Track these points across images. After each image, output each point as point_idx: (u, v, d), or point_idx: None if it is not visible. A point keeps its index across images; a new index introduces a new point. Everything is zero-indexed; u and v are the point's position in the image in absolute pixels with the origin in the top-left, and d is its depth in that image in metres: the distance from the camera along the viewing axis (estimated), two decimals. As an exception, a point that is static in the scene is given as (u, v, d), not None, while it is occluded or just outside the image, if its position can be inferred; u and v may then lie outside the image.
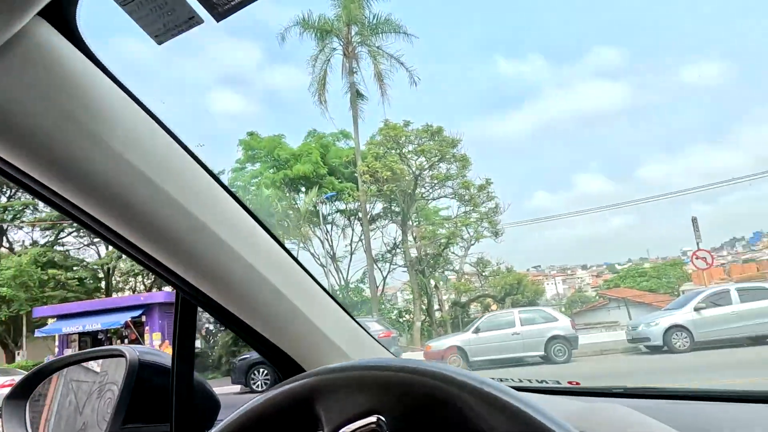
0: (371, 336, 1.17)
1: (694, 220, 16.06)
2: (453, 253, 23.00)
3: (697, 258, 15.52)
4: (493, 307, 21.99)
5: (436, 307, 22.97)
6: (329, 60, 21.51)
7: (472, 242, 22.59)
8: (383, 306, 24.12)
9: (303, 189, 24.08)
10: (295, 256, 1.02)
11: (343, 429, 0.53)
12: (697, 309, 11.94)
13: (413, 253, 22.10)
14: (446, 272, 23.79)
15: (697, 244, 15.72)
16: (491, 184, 21.72)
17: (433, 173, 21.59)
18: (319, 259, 24.09)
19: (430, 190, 22.64)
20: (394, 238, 23.68)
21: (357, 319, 1.14)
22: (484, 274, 23.69)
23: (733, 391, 1.04)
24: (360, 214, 23.34)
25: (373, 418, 0.52)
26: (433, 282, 22.43)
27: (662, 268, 42.51)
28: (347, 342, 1.06)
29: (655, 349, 11.88)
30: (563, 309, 30.82)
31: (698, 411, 0.95)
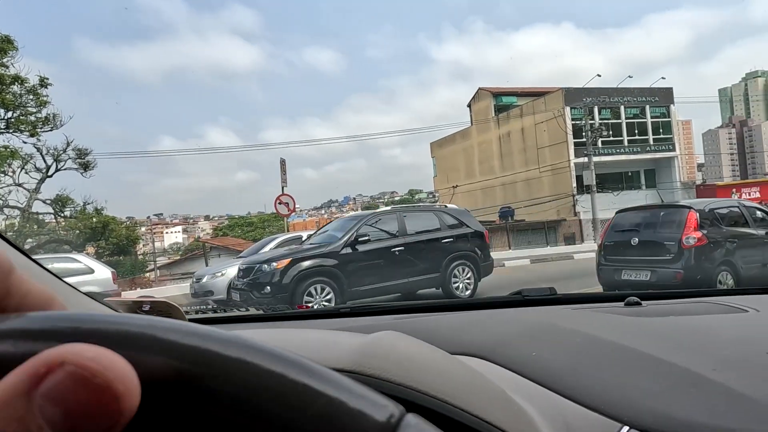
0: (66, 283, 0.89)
1: (283, 162, 15.51)
2: (21, 186, 17.72)
3: (280, 203, 15.05)
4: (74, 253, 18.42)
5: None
6: None
7: (49, 172, 17.39)
8: None
9: None
10: None
11: None
12: None
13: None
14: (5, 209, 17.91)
15: (282, 188, 14.78)
16: (49, 85, 16.18)
17: None
18: None
19: None
20: None
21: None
22: (63, 214, 19.16)
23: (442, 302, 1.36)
24: None
25: None
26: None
27: (267, 219, 44.66)
28: None
29: (221, 305, 10.15)
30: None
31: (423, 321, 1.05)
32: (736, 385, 0.57)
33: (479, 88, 35.61)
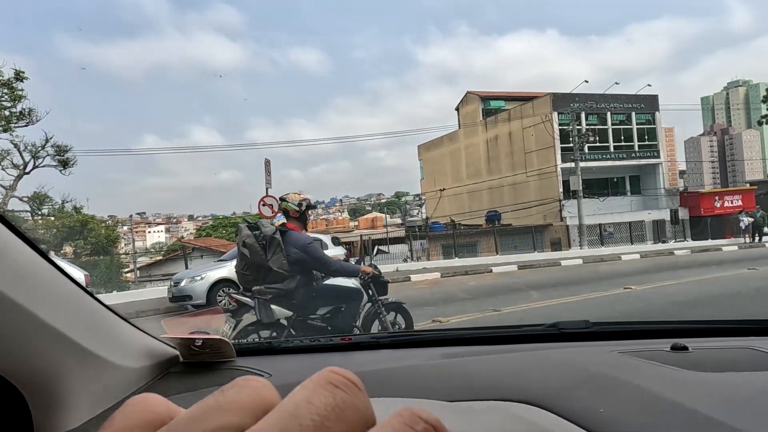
0: (117, 314, 0.93)
1: (267, 163, 15.28)
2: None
3: (264, 204, 14.83)
4: (51, 254, 17.47)
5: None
6: None
7: (26, 169, 16.69)
8: None
9: None
10: None
11: None
12: None
13: None
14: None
15: (266, 189, 14.25)
16: (25, 79, 15.60)
17: None
18: None
19: None
20: None
21: None
22: (41, 212, 18.38)
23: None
24: None
25: None
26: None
27: (253, 219, 44.00)
28: (85, 332, 0.80)
29: (200, 309, 9.88)
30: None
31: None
32: None
33: (467, 92, 35.62)
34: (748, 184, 36.77)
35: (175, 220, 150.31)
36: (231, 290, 9.91)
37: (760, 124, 45.27)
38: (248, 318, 4.23)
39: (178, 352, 1.10)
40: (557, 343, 1.26)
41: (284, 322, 4.15)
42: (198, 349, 1.09)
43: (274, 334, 4.10)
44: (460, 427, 0.71)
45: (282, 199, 4.55)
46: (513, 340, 1.30)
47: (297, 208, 4.44)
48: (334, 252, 11.67)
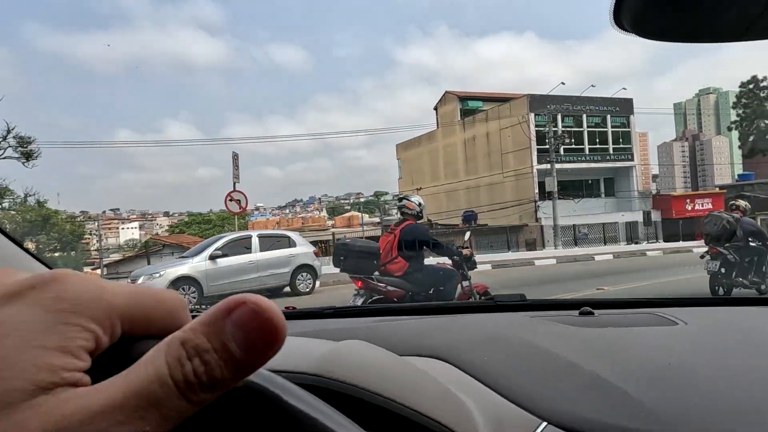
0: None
1: (235, 157, 14.88)
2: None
3: (231, 200, 14.31)
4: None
5: None
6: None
7: None
8: None
9: None
10: None
11: None
12: (213, 257, 10.24)
13: None
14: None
15: (234, 184, 13.96)
16: None
17: None
18: None
19: None
20: None
21: None
22: (1, 206, 17.57)
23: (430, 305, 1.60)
24: None
25: None
26: None
27: (226, 217, 43.49)
28: None
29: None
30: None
31: (400, 326, 1.18)
32: (635, 391, 0.69)
33: (446, 92, 35.59)
34: (717, 188, 37.61)
35: (150, 217, 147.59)
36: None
37: (729, 129, 46.47)
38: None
39: None
40: (491, 313, 1.32)
41: None
42: None
43: None
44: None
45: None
46: (454, 311, 1.34)
47: None
48: (303, 249, 11.38)
